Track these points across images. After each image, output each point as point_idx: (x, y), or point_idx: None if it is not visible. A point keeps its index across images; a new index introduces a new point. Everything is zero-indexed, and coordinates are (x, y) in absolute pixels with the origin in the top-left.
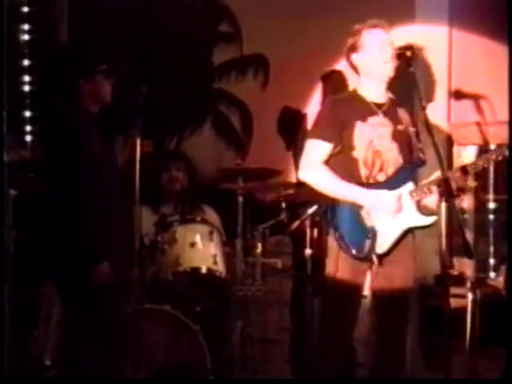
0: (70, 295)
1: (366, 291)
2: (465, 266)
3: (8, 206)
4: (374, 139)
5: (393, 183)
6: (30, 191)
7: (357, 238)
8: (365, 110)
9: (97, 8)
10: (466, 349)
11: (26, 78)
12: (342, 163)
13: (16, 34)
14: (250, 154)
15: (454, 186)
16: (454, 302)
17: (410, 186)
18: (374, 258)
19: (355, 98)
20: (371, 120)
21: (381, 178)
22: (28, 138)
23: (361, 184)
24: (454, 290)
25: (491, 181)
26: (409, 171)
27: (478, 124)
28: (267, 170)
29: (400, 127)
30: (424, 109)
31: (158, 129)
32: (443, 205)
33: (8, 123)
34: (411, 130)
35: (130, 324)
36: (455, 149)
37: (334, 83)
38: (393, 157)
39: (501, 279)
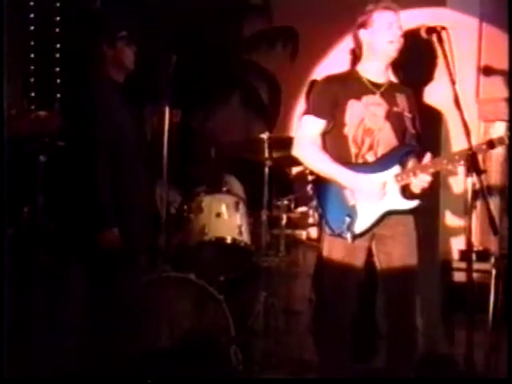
0: (89, 261)
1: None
2: (489, 242)
3: (39, 172)
4: (365, 117)
5: (381, 164)
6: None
7: (337, 216)
8: (360, 88)
9: None
10: (488, 324)
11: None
12: (333, 140)
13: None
14: (277, 126)
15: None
16: (477, 278)
17: (396, 169)
18: (348, 236)
19: (352, 76)
20: (366, 99)
21: (370, 157)
22: (56, 106)
23: (349, 162)
24: (477, 266)
25: None
26: (398, 154)
27: (507, 100)
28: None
29: (396, 109)
30: (454, 83)
31: (187, 99)
32: (469, 180)
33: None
34: (407, 115)
35: (156, 291)
36: (482, 125)
37: (358, 57)
38: (384, 137)
39: None
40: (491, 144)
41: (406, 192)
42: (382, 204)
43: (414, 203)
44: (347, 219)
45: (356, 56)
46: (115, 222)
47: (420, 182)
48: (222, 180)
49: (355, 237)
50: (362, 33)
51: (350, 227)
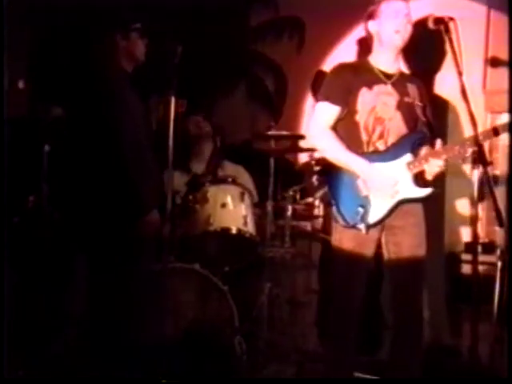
0: (99, 253)
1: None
2: (495, 234)
3: (43, 161)
4: (376, 105)
5: (392, 153)
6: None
7: (350, 207)
8: (372, 78)
9: None
10: (493, 316)
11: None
12: (345, 126)
13: None
14: (283, 116)
15: (487, 153)
16: (483, 270)
17: (408, 157)
18: (362, 227)
19: (364, 66)
20: (377, 88)
21: (380, 145)
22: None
23: (360, 150)
24: (483, 258)
25: None
26: (409, 142)
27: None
28: (300, 137)
29: (407, 99)
30: (461, 74)
31: (193, 89)
32: (475, 172)
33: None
34: (418, 104)
35: (160, 281)
36: (489, 116)
37: (369, 48)
38: (395, 125)
39: None
40: (496, 131)
41: (418, 180)
42: (394, 193)
43: (427, 191)
44: (361, 210)
45: (367, 47)
46: (154, 204)
47: (433, 167)
48: (227, 170)
49: (369, 227)
50: (370, 24)
51: (363, 218)
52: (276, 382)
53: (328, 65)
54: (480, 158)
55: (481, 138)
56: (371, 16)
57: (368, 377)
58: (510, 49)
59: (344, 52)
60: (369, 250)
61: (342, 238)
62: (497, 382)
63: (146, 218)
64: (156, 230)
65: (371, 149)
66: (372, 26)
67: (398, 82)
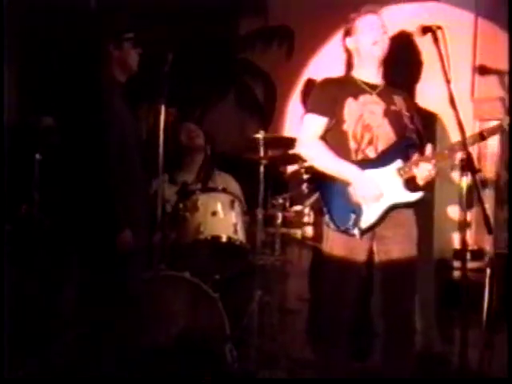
0: (90, 261)
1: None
2: (484, 241)
3: (34, 171)
4: (363, 114)
5: (382, 159)
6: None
7: (342, 213)
8: (357, 89)
9: None
10: (482, 323)
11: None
12: (333, 136)
13: None
14: (272, 125)
15: (475, 159)
16: (472, 277)
17: (398, 163)
18: (355, 232)
19: (348, 80)
20: (363, 98)
21: (370, 151)
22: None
23: (350, 157)
24: (472, 265)
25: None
26: (399, 149)
27: (502, 99)
28: (289, 140)
29: (393, 107)
30: (449, 82)
31: (182, 98)
32: (464, 180)
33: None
34: (405, 113)
35: (151, 290)
36: (477, 124)
37: (351, 64)
38: (383, 132)
39: None
40: (482, 136)
41: (410, 185)
42: (386, 198)
43: (418, 195)
44: (353, 215)
45: (349, 64)
46: (127, 223)
47: (423, 171)
48: (217, 178)
49: (363, 232)
50: (348, 41)
51: (356, 223)
52: (275, 382)
53: (317, 72)
54: (468, 166)
55: (468, 141)
56: (348, 33)
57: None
58: (510, 57)
59: (332, 60)
60: (360, 258)
61: (334, 245)
62: (497, 381)
63: (118, 236)
64: (128, 249)
65: (361, 156)
66: (350, 42)
67: (383, 92)
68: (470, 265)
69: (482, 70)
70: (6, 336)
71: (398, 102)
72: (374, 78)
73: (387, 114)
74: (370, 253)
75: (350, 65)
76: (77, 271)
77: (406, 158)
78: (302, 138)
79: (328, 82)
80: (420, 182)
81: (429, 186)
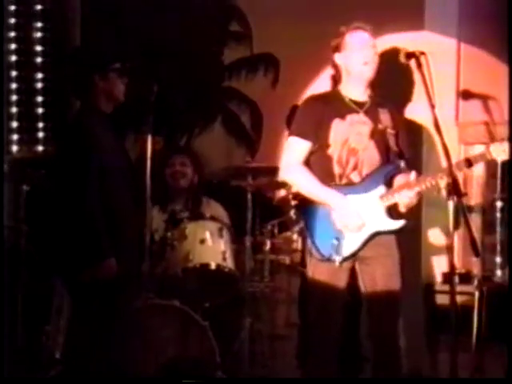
0: (78, 290)
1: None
2: (471, 264)
3: (20, 201)
4: (349, 137)
5: (365, 185)
6: (42, 187)
7: (325, 240)
8: (344, 108)
9: (109, 6)
10: (472, 346)
11: (39, 75)
12: (318, 161)
13: (29, 31)
14: (259, 152)
15: (461, 183)
16: (460, 300)
17: (381, 189)
18: (337, 259)
19: (336, 96)
20: (350, 118)
21: (354, 176)
22: (40, 134)
23: (334, 182)
24: (460, 288)
25: (498, 179)
26: (382, 174)
27: (486, 123)
28: (276, 169)
29: (380, 126)
30: (433, 107)
31: (169, 126)
32: (451, 203)
33: (21, 119)
34: (390, 131)
35: (140, 319)
36: (462, 148)
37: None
38: (368, 156)
39: (507, 277)
40: (469, 162)
41: (392, 212)
42: (368, 226)
43: (400, 223)
44: (335, 242)
45: (336, 79)
46: (112, 252)
47: (405, 198)
48: (206, 205)
49: (344, 260)
50: (337, 56)
51: (337, 250)
52: (276, 382)
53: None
54: (454, 190)
55: (454, 169)
56: (337, 49)
57: None
58: (510, 76)
59: (319, 87)
60: (342, 282)
61: (316, 271)
62: (497, 381)
63: (102, 264)
64: (112, 277)
65: (345, 181)
66: (339, 58)
67: (371, 109)
68: (459, 288)
69: (466, 95)
70: (6, 336)
71: (384, 117)
72: (361, 95)
73: (373, 134)
74: (353, 273)
75: (337, 80)
76: (63, 301)
77: (390, 184)
78: (285, 163)
79: (313, 99)
80: (402, 209)
81: (414, 212)
